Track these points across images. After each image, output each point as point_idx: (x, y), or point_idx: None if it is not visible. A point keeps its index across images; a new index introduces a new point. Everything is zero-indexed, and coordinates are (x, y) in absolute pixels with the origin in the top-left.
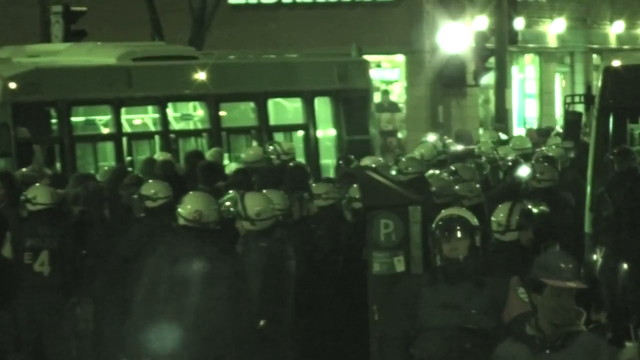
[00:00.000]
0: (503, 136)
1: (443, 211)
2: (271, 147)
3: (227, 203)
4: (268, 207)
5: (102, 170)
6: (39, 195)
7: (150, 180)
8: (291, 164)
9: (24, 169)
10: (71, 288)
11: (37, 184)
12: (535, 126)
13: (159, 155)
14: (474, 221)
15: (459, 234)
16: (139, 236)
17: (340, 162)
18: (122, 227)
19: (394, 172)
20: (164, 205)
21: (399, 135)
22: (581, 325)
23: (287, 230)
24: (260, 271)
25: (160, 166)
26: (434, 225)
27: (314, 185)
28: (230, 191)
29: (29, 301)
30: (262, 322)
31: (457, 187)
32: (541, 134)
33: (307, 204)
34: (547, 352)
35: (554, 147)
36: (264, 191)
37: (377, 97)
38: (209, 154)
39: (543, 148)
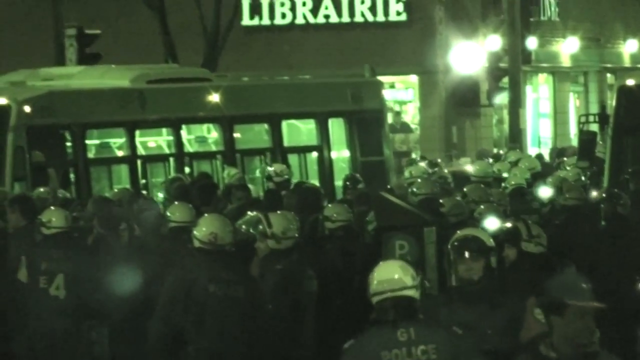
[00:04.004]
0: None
1: (458, 232)
2: (266, 171)
3: (244, 226)
4: (290, 226)
5: (112, 192)
6: (54, 218)
7: (175, 203)
8: (304, 185)
9: (39, 189)
10: (87, 312)
11: (52, 207)
12: (549, 146)
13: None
14: (490, 241)
15: (473, 255)
16: (158, 259)
17: (348, 182)
18: (140, 251)
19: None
20: (182, 226)
21: (413, 156)
22: (597, 345)
23: (301, 251)
24: (274, 294)
25: (174, 187)
26: (449, 246)
27: (327, 207)
28: (249, 212)
29: (45, 325)
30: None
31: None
32: (556, 154)
33: (321, 225)
34: None
35: (569, 168)
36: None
37: (390, 118)
38: (229, 177)
39: (560, 174)
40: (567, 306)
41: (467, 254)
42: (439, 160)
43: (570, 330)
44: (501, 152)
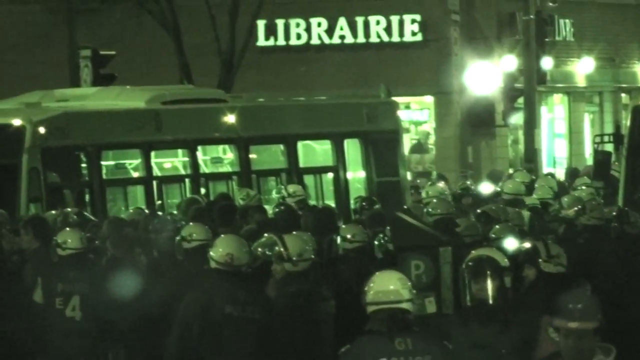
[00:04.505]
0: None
1: (473, 252)
2: (281, 191)
3: (260, 249)
4: (306, 247)
5: (128, 213)
6: (69, 239)
7: (191, 223)
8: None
9: (51, 212)
10: (103, 333)
11: (68, 229)
12: (565, 166)
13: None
14: (504, 262)
15: (487, 275)
16: (174, 280)
17: (364, 203)
18: (158, 271)
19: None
20: (199, 247)
21: (433, 176)
22: None
23: (318, 272)
24: (290, 316)
25: (191, 208)
26: (464, 266)
27: (343, 227)
28: (265, 234)
29: (62, 346)
30: None
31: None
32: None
33: (337, 246)
34: None
35: (583, 187)
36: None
37: (406, 139)
38: (248, 198)
39: (574, 193)
40: (559, 327)
41: (480, 274)
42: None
43: (568, 350)
44: (510, 171)
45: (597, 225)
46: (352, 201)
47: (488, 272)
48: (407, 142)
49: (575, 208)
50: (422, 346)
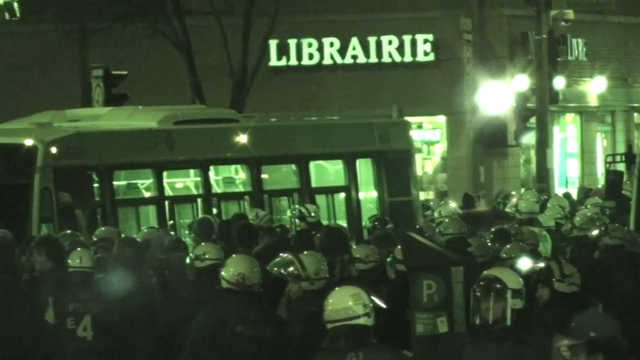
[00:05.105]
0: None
1: (485, 272)
2: (296, 211)
3: (275, 268)
4: (321, 266)
5: (141, 232)
6: (78, 259)
7: (204, 243)
8: (329, 225)
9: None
10: (115, 353)
11: (80, 249)
12: (577, 185)
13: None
14: (514, 283)
15: (491, 296)
16: (187, 299)
17: (376, 223)
18: (170, 290)
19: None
20: (211, 266)
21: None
22: None
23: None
24: (309, 336)
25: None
26: (475, 285)
27: (354, 247)
28: (282, 254)
29: None
30: None
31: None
32: (584, 195)
33: (348, 266)
34: None
35: (588, 207)
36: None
37: (418, 159)
38: (258, 219)
39: (580, 213)
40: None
41: (485, 295)
42: (431, 203)
43: None
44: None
45: (619, 246)
46: (366, 221)
47: (492, 294)
48: (419, 161)
49: (598, 229)
50: (374, 358)
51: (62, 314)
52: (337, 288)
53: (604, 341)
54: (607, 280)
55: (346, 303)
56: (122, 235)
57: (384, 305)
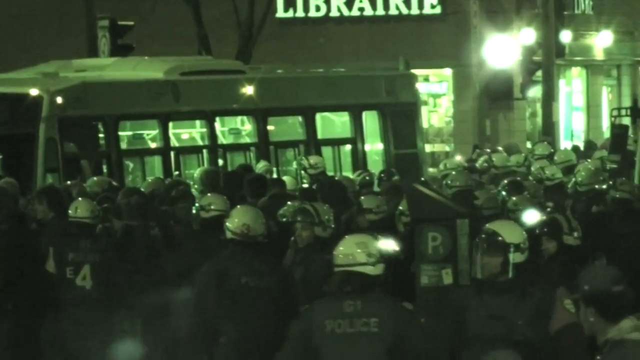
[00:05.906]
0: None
1: (487, 225)
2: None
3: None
4: (330, 215)
5: (145, 182)
6: (79, 209)
7: (209, 194)
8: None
9: (67, 182)
10: (115, 303)
11: (80, 199)
12: (582, 139)
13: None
14: (514, 237)
15: (490, 250)
16: (192, 250)
17: (382, 175)
18: (174, 241)
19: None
20: (216, 217)
21: (447, 148)
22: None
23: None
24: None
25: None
26: (477, 238)
27: (363, 198)
28: (289, 202)
29: (72, 315)
30: None
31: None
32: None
33: (356, 218)
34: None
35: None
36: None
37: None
38: (259, 169)
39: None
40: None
41: (484, 249)
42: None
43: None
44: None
45: (627, 199)
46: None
47: (491, 247)
48: (425, 114)
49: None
50: (371, 308)
51: (61, 263)
52: (348, 236)
53: (594, 294)
54: (614, 233)
55: (351, 249)
56: (114, 184)
57: (397, 248)
